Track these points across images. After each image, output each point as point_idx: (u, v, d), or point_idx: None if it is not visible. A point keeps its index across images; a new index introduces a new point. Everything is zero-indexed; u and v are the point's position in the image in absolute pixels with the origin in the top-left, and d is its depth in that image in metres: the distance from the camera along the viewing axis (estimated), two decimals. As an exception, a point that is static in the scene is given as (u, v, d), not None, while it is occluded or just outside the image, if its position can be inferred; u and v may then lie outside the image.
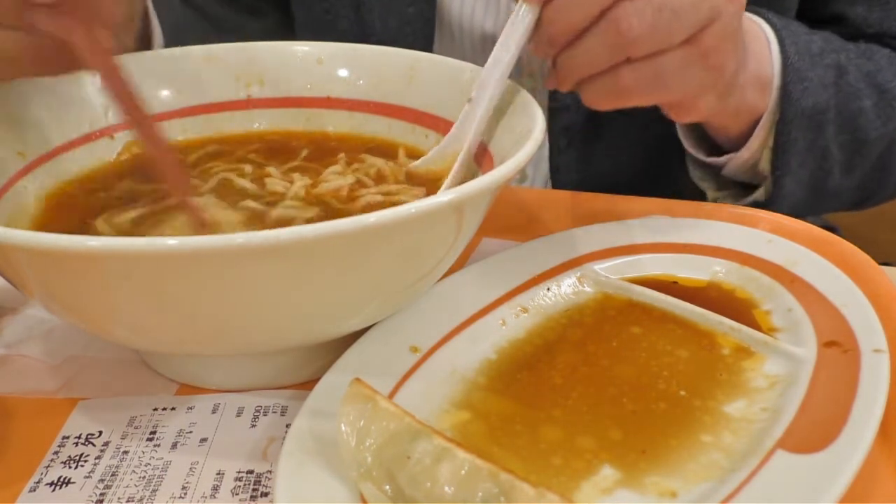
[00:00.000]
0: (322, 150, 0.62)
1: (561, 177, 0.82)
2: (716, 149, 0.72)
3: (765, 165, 0.70)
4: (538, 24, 0.53)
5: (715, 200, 0.73)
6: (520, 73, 0.81)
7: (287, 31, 0.89)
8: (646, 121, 0.80)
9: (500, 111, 0.56)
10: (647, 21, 0.50)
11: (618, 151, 0.82)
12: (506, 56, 0.53)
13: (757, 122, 0.68)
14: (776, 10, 0.71)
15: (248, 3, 0.91)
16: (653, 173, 0.83)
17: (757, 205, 0.69)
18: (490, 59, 0.54)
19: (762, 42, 0.67)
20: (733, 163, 0.70)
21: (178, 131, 0.63)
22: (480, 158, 0.55)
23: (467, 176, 0.55)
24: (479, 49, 0.82)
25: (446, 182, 0.55)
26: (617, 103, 0.55)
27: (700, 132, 0.72)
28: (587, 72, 0.53)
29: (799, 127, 0.67)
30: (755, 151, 0.69)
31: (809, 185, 0.72)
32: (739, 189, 0.74)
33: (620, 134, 0.81)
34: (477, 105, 0.54)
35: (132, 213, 0.53)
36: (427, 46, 0.82)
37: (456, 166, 0.55)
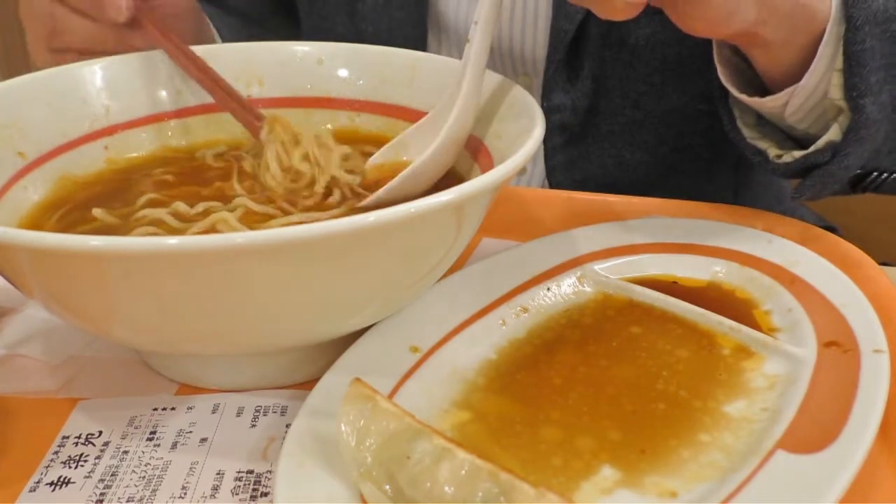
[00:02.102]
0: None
1: (557, 176, 0.82)
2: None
3: (836, 92, 0.58)
4: None
5: (778, 159, 0.62)
6: (515, 72, 0.81)
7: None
8: (649, 120, 0.80)
9: (499, 110, 0.56)
10: None
11: (618, 152, 0.81)
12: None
13: (818, 43, 0.57)
14: None
15: (259, 12, 0.92)
16: (654, 175, 0.82)
17: (833, 149, 0.58)
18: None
19: None
20: (797, 98, 0.59)
21: (178, 132, 0.63)
22: (479, 157, 0.55)
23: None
24: None
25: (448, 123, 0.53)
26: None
27: (750, 75, 0.63)
28: None
29: (873, 35, 0.56)
30: (822, 76, 0.58)
31: (894, 118, 0.60)
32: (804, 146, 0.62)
33: (621, 134, 0.80)
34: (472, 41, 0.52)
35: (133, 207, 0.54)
36: (419, 49, 0.82)
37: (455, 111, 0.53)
